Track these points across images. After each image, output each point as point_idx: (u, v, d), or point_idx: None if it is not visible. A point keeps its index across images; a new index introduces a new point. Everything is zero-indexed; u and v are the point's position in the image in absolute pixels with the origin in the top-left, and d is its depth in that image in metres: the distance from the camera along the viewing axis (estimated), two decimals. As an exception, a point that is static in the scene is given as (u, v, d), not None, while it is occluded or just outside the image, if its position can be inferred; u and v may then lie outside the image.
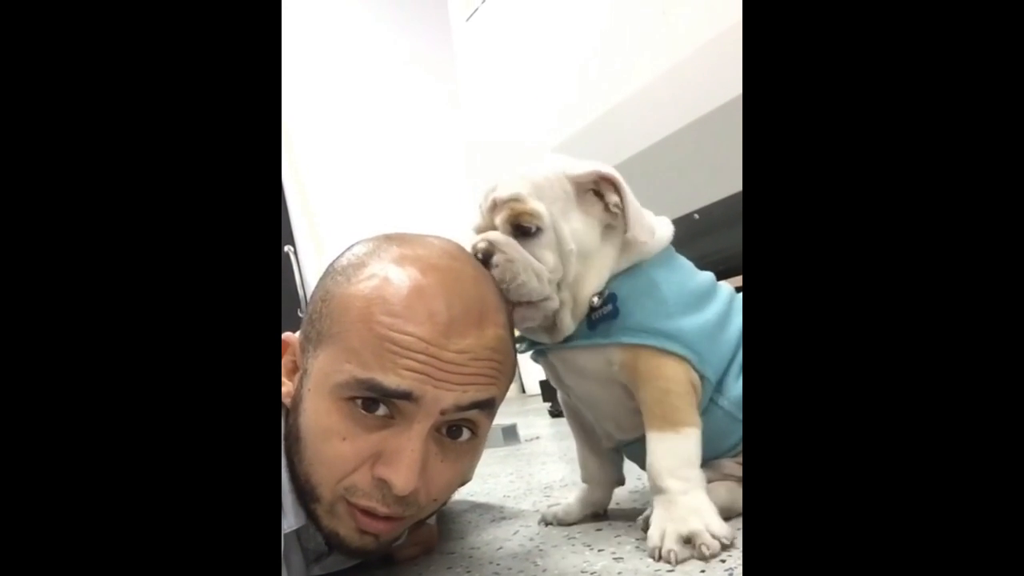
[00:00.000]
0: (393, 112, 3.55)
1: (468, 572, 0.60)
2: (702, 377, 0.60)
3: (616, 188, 0.60)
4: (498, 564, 0.61)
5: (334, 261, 0.58)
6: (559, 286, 0.60)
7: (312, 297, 0.57)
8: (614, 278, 0.62)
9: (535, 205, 0.59)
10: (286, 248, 3.04)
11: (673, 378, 0.59)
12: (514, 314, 0.60)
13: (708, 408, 0.62)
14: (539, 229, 0.59)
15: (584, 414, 0.70)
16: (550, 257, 0.60)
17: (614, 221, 0.62)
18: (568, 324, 0.62)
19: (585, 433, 0.72)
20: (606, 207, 0.61)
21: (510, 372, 0.57)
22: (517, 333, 0.66)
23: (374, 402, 0.50)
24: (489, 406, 0.54)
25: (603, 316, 0.61)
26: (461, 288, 0.53)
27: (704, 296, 0.63)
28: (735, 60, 0.91)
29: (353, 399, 0.50)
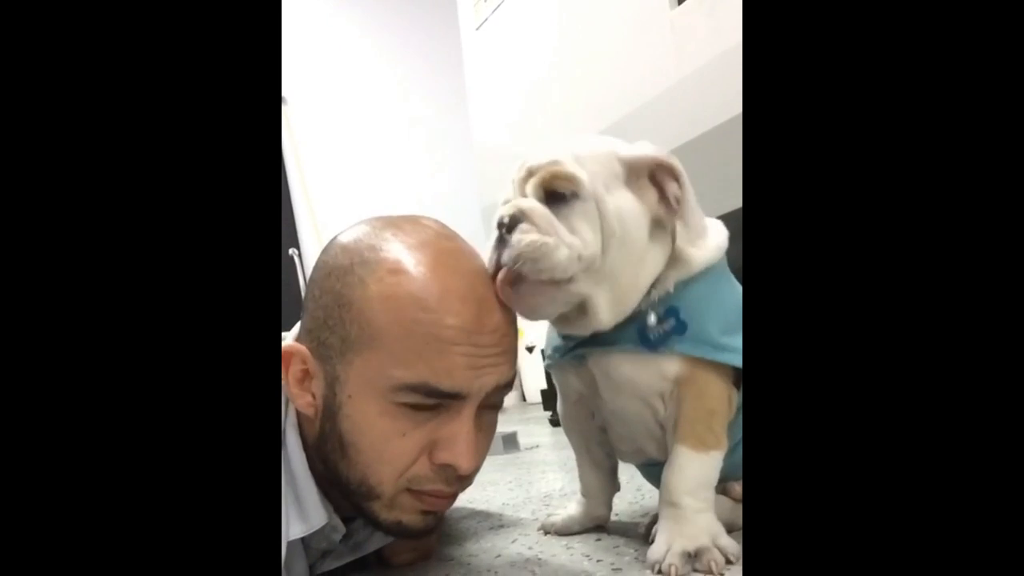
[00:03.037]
0: (402, 119, 3.56)
1: (465, 579, 0.60)
2: None
3: (676, 178, 0.54)
4: (496, 572, 0.61)
5: (327, 258, 0.56)
6: (594, 272, 0.53)
7: (316, 299, 0.55)
8: (677, 287, 0.56)
9: (575, 169, 0.52)
10: (291, 251, 3.06)
11: (719, 397, 0.57)
12: (528, 296, 0.53)
13: None
14: (575, 195, 0.52)
15: (609, 430, 0.66)
16: (587, 230, 0.52)
17: (666, 216, 0.55)
18: (604, 317, 0.55)
19: (587, 449, 0.71)
20: (661, 196, 0.54)
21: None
22: (555, 339, 0.63)
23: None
24: (513, 379, 0.57)
25: (665, 332, 0.55)
26: (471, 266, 0.55)
27: None
28: (739, 76, 0.91)
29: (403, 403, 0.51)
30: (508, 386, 0.56)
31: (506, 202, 0.55)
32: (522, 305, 0.55)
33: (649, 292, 0.56)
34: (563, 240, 0.51)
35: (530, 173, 0.54)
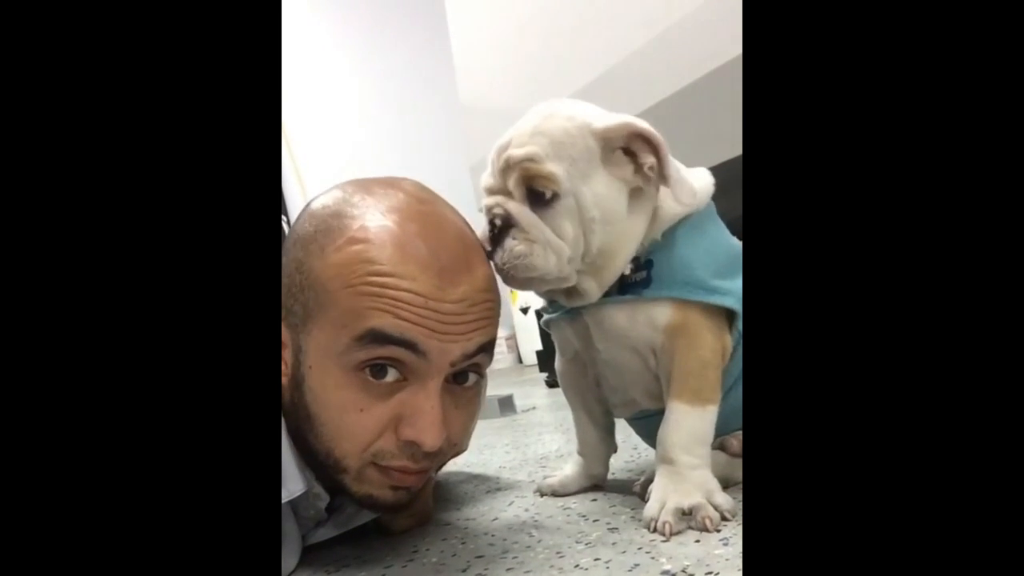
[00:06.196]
0: (385, 77, 3.50)
1: (463, 543, 0.60)
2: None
3: (652, 147, 0.53)
4: (493, 535, 0.61)
5: (297, 226, 0.55)
6: (581, 259, 0.55)
7: (284, 268, 0.54)
8: (665, 235, 0.57)
9: (552, 167, 0.53)
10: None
11: (712, 348, 0.57)
12: (520, 288, 0.57)
13: None
14: (556, 195, 0.54)
15: (602, 382, 0.66)
16: (569, 228, 0.54)
17: (645, 185, 0.55)
18: (593, 292, 0.57)
19: (584, 405, 0.70)
20: (638, 168, 0.55)
21: (500, 305, 0.57)
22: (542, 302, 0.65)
23: (381, 368, 0.50)
24: (492, 346, 0.55)
25: (635, 283, 0.57)
26: (442, 233, 0.52)
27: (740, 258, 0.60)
28: (732, 21, 0.88)
29: (360, 368, 0.50)
30: (480, 355, 0.53)
31: (490, 192, 0.57)
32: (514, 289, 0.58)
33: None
34: (550, 244, 0.54)
35: (507, 164, 0.55)
